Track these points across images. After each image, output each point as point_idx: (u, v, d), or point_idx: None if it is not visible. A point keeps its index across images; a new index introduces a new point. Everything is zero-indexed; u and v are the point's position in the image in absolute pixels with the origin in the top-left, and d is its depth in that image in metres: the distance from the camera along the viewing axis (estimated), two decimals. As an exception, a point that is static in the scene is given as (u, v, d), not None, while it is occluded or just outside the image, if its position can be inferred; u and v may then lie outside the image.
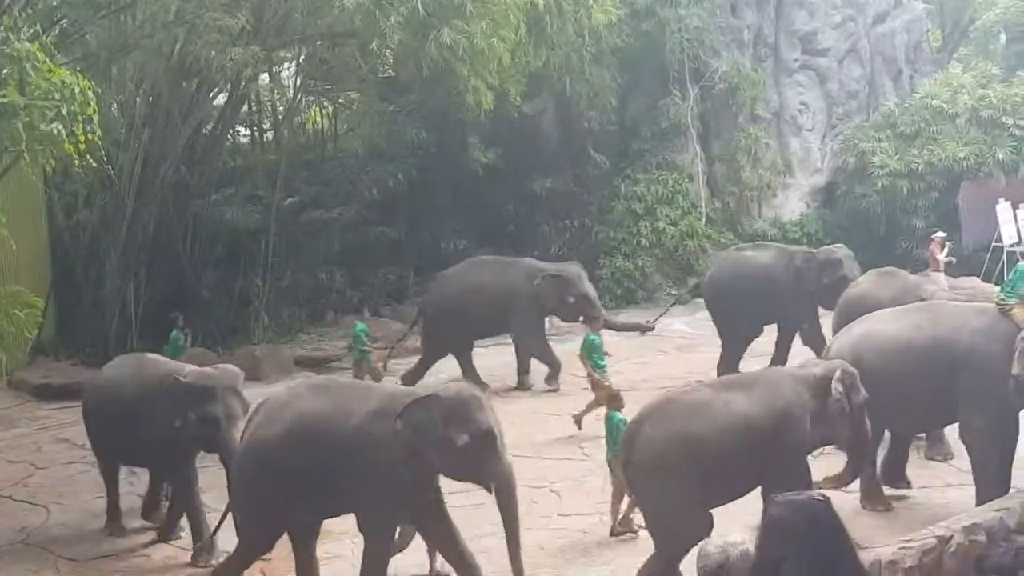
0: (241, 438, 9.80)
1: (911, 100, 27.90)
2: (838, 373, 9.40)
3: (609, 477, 11.16)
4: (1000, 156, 25.46)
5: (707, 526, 8.62)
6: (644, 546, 9.65)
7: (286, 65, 25.86)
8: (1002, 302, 10.62)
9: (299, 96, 25.21)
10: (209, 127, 23.08)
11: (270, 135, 27.88)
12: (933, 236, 21.51)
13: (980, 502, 9.76)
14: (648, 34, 26.04)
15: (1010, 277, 11.10)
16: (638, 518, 10.14)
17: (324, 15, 19.03)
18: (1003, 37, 32.93)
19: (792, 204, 28.05)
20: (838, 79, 28.58)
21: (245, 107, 25.80)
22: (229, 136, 25.53)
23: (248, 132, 28.03)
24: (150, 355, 12.70)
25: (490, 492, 9.13)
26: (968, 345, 10.47)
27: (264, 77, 25.16)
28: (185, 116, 20.73)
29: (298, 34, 21.11)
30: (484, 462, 8.91)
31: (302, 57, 23.93)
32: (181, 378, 10.84)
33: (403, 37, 18.13)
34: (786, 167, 28.01)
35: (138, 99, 20.96)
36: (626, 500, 10.53)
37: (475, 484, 9.30)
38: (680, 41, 25.98)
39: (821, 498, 3.87)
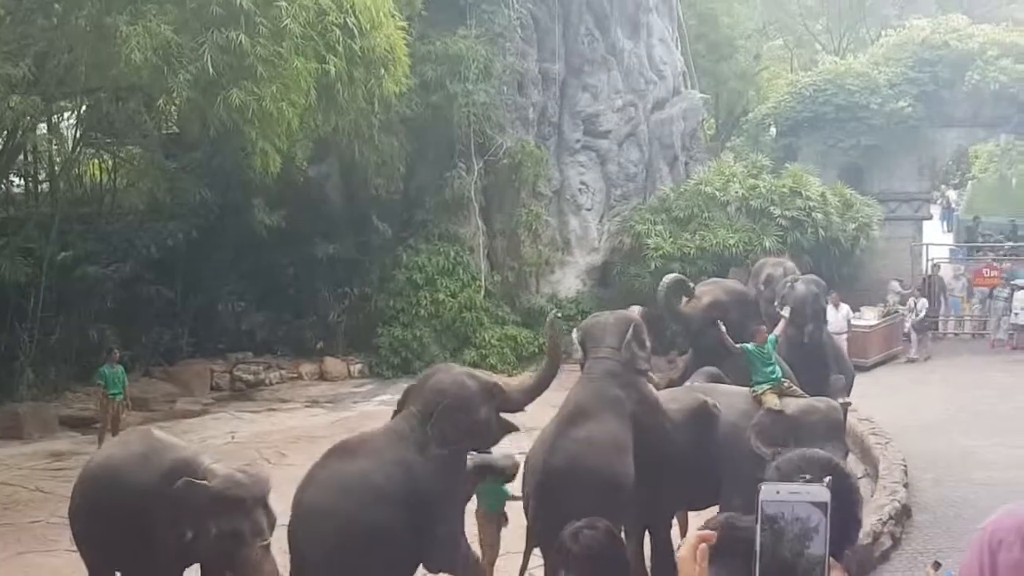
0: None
1: (686, 186, 28.90)
2: None
3: None
4: (767, 244, 26.41)
5: None
6: None
7: (66, 115, 25.20)
8: (752, 392, 11.18)
9: (78, 148, 24.60)
10: (-19, 175, 22.31)
11: (46, 186, 27.03)
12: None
13: None
14: (437, 106, 26.24)
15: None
16: None
17: (109, 68, 18.60)
18: (773, 130, 34.52)
19: (569, 281, 28.63)
20: (617, 161, 29.35)
21: (21, 156, 24.98)
22: (2, 186, 24.71)
23: (22, 182, 27.14)
24: (161, 436, 9.91)
25: None
26: (729, 424, 10.86)
27: (42, 127, 24.47)
28: (-44, 163, 20.04)
29: (81, 86, 20.66)
30: None
31: (84, 108, 23.40)
32: (208, 483, 8.70)
33: (191, 95, 17.87)
34: (565, 244, 28.64)
35: (-94, 143, 20.19)
36: None
37: None
38: (467, 115, 26.32)
39: None
